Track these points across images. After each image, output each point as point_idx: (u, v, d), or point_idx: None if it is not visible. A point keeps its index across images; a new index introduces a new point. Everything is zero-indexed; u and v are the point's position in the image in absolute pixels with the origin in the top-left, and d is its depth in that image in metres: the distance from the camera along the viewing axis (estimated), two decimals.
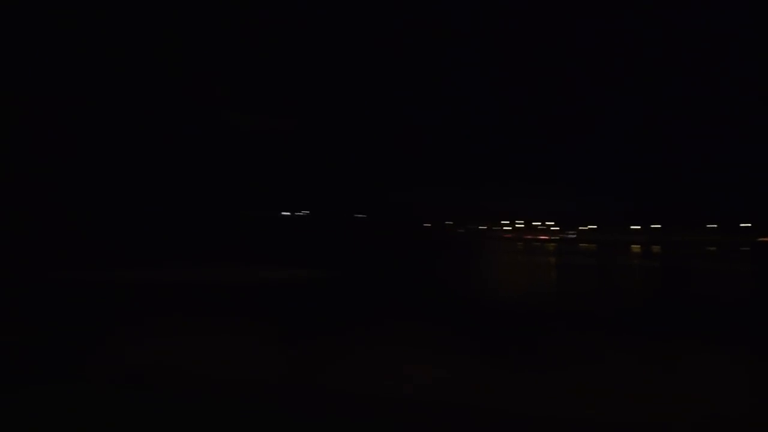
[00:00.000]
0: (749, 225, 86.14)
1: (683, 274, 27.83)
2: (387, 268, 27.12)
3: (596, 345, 9.53)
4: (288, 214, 46.44)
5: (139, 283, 14.68)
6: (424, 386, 7.32)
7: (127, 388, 7.50)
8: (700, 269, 31.28)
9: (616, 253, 48.82)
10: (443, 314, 12.27)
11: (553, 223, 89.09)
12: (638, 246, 73.68)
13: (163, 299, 12.87)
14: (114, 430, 6.13)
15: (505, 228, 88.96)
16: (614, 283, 22.45)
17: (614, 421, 6.29)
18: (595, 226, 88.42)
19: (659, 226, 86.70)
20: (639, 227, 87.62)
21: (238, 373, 7.75)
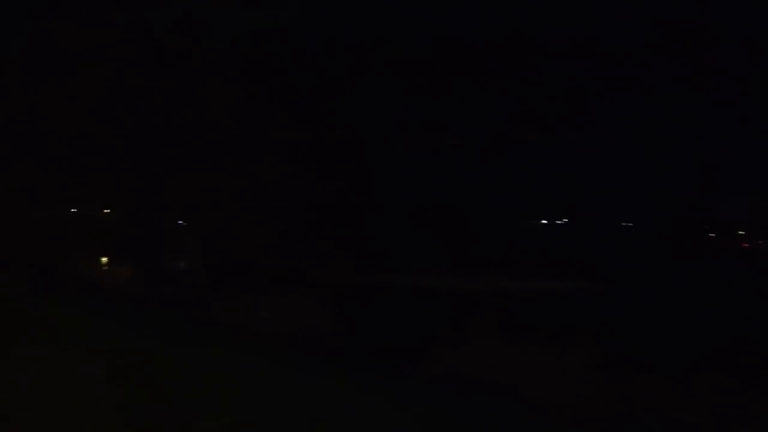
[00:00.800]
0: None
1: None
2: (665, 283, 24.44)
3: None
4: (545, 222, 44.94)
5: (419, 288, 15.67)
6: None
7: (437, 392, 7.86)
8: None
9: None
10: None
11: None
12: None
13: (445, 306, 13.50)
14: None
15: None
16: None
17: None
18: None
19: None
20: None
21: (554, 393, 7.54)
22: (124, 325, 11.00)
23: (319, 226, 17.95)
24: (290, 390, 7.67)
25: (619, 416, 6.73)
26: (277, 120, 17.16)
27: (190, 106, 18.18)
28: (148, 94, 18.63)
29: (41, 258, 26.58)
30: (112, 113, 19.88)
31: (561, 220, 47.91)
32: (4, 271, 19.26)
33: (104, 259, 29.08)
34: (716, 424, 6.55)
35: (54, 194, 31.38)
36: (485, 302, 14.31)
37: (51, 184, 30.43)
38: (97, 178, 26.65)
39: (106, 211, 33.54)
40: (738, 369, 8.69)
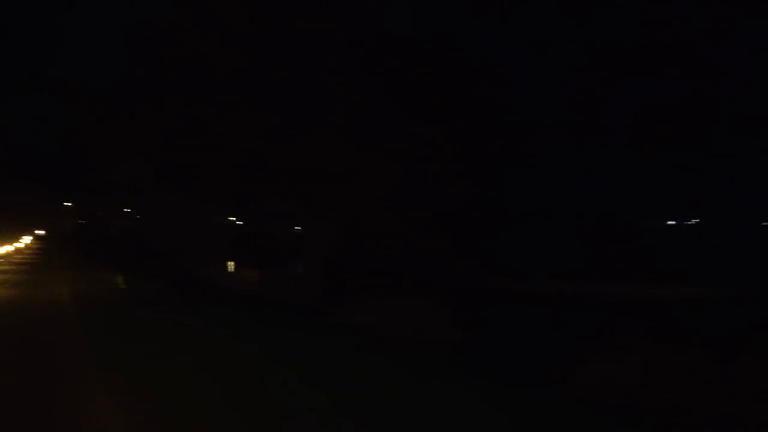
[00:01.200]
0: None
1: None
2: None
3: None
4: (673, 223, 41.93)
5: (554, 296, 15.06)
6: None
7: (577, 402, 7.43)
8: None
9: None
10: None
11: None
12: None
13: (587, 313, 12.86)
14: None
15: None
16: None
17: None
18: None
19: None
20: None
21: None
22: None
23: (448, 231, 17.73)
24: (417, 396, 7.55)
25: None
26: (403, 124, 17.24)
27: (314, 112, 18.77)
28: (272, 103, 19.49)
29: (180, 264, 28.86)
30: (242, 124, 21.03)
31: (691, 221, 44.05)
32: (160, 277, 22.55)
33: (231, 264, 31.04)
34: None
35: (187, 205, 34.01)
36: (621, 309, 13.49)
37: (184, 196, 33.01)
38: (224, 187, 28.43)
39: (231, 218, 35.83)
40: None
